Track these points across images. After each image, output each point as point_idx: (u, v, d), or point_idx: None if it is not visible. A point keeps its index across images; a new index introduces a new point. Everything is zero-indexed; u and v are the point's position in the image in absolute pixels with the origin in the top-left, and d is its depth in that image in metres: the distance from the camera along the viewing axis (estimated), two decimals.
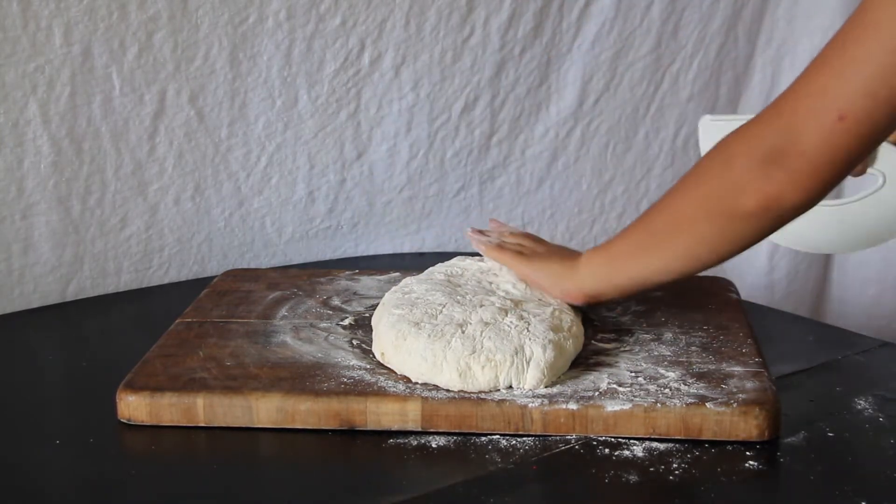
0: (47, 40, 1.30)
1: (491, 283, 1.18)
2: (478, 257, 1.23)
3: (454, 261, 1.23)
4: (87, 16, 1.32)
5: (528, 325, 1.07)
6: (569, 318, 1.11)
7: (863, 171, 1.14)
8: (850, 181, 1.11)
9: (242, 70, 1.44)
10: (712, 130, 1.18)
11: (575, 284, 1.13)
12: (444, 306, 1.11)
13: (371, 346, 1.12)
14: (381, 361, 1.08)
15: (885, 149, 1.13)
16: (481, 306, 1.11)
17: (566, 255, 1.18)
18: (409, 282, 1.18)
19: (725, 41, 1.74)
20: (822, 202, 1.08)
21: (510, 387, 1.03)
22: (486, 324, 1.08)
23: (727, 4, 1.72)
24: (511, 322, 1.08)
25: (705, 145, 1.19)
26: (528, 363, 1.03)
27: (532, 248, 1.20)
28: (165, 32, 1.37)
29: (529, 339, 1.05)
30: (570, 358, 1.07)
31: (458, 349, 1.04)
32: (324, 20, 1.47)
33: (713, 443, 0.99)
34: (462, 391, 1.02)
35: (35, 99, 1.32)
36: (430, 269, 1.22)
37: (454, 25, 1.55)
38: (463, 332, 1.06)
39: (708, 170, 1.02)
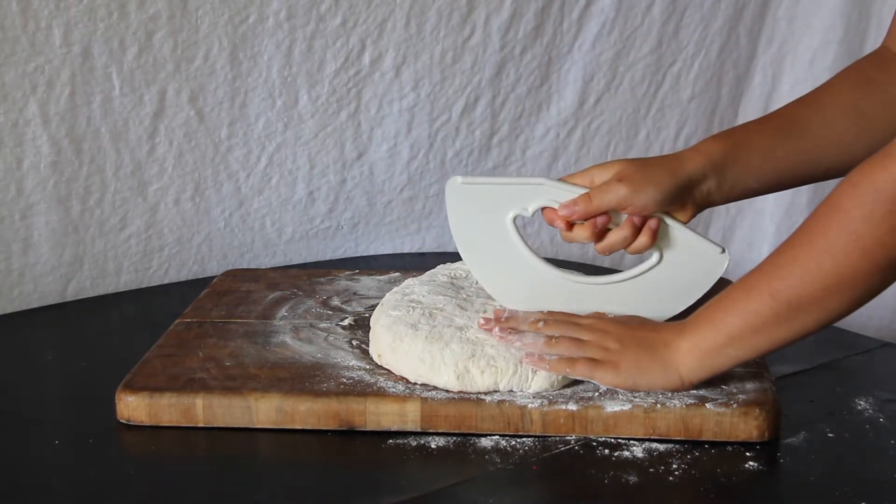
0: (47, 40, 1.30)
1: None
2: None
3: (459, 263, 1.23)
4: (87, 16, 1.32)
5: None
6: None
7: (645, 249, 1.07)
8: (629, 258, 1.07)
9: (242, 70, 1.44)
10: (463, 193, 1.09)
11: (684, 379, 1.00)
12: (444, 309, 1.11)
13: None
14: (378, 363, 1.08)
15: (668, 228, 1.08)
16: (485, 311, 1.11)
17: (652, 341, 1.02)
18: (411, 283, 1.18)
19: (727, 41, 1.74)
20: (600, 279, 1.09)
21: (511, 390, 1.03)
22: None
23: (728, 4, 1.72)
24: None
25: (454, 207, 1.09)
26: (534, 372, 1.02)
27: (604, 349, 1.02)
28: (165, 32, 1.37)
29: None
30: None
31: (456, 351, 1.04)
32: (324, 20, 1.47)
33: (713, 443, 0.99)
34: (462, 392, 1.02)
35: (35, 99, 1.32)
36: (434, 270, 1.22)
37: (455, 25, 1.55)
38: (462, 334, 1.06)
39: (865, 221, 0.91)
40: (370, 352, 1.10)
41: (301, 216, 1.55)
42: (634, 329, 1.04)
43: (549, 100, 1.66)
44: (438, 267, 1.23)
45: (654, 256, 1.09)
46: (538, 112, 1.66)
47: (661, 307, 1.10)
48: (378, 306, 1.15)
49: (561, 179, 1.09)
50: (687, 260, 1.09)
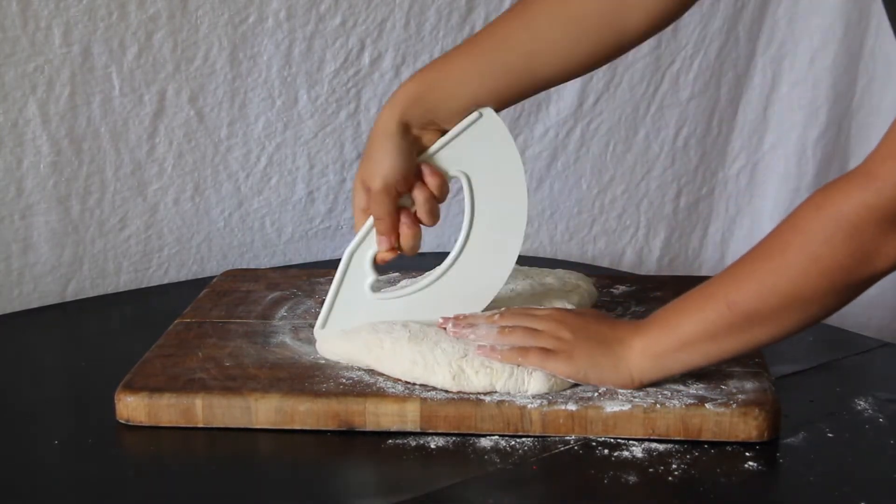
0: (47, 40, 1.30)
1: None
2: None
3: None
4: (87, 16, 1.32)
5: None
6: None
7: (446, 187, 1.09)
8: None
9: (242, 70, 1.44)
10: (328, 340, 1.10)
11: (634, 377, 1.01)
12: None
13: None
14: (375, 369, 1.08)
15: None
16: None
17: (606, 336, 1.02)
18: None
19: (726, 41, 1.74)
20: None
21: (508, 392, 1.03)
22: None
23: (727, 4, 1.71)
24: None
25: (325, 349, 1.09)
26: (530, 373, 1.02)
27: (557, 339, 1.02)
28: (165, 32, 1.37)
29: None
30: None
31: (448, 351, 1.03)
32: (324, 20, 1.47)
33: (713, 443, 0.99)
34: (461, 392, 1.02)
35: (34, 99, 1.32)
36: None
37: (454, 25, 1.55)
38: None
39: (826, 244, 0.92)
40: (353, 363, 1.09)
41: (301, 216, 1.55)
42: (590, 322, 1.04)
43: (548, 100, 1.66)
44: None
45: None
46: (537, 112, 1.66)
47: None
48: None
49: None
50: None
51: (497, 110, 1.10)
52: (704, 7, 1.70)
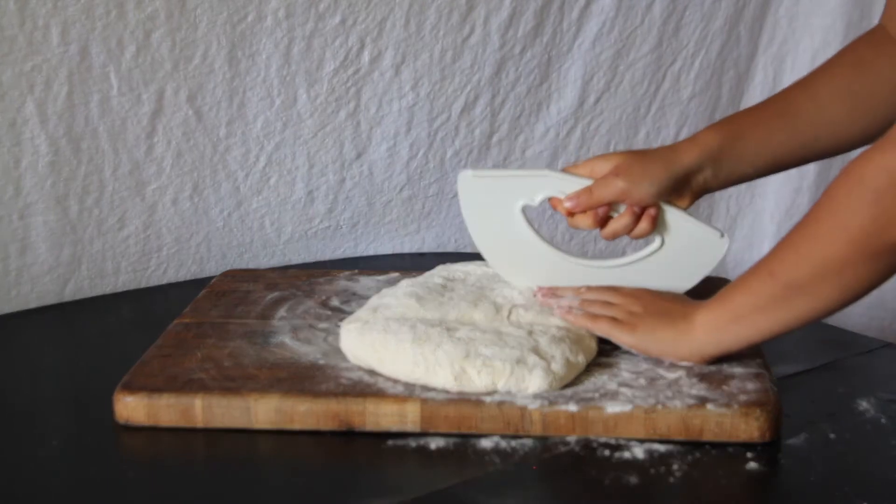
0: (44, 39, 1.30)
1: (493, 289, 1.17)
2: (481, 261, 1.22)
3: (459, 265, 1.22)
4: (85, 15, 1.31)
5: (531, 334, 1.07)
6: (583, 329, 1.10)
7: (647, 234, 1.14)
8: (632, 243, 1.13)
9: (241, 69, 1.44)
10: (474, 185, 1.16)
11: (693, 351, 1.05)
12: (415, 313, 1.11)
13: None
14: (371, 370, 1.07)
15: (669, 214, 1.14)
16: (475, 306, 1.11)
17: (673, 312, 1.07)
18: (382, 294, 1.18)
19: (727, 40, 1.74)
20: (603, 262, 1.16)
21: (509, 391, 1.02)
22: (483, 330, 1.07)
23: (729, 3, 1.71)
24: (511, 331, 1.07)
25: (467, 198, 1.16)
26: (531, 371, 1.02)
27: (628, 312, 1.09)
28: (163, 31, 1.37)
29: (532, 349, 1.04)
30: (579, 370, 1.06)
31: (450, 352, 1.03)
32: (323, 19, 1.46)
33: (714, 444, 0.98)
34: (461, 392, 1.02)
35: (32, 98, 1.31)
36: (431, 271, 1.22)
37: (454, 24, 1.55)
38: (451, 335, 1.06)
39: (851, 210, 0.94)
40: (359, 363, 1.09)
41: (300, 216, 1.55)
42: (664, 300, 1.10)
43: (548, 99, 1.66)
44: (437, 268, 1.23)
45: (657, 241, 1.15)
46: (538, 111, 1.65)
47: (665, 289, 1.15)
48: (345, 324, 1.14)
49: (564, 170, 1.15)
50: (687, 244, 1.15)
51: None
52: (705, 6, 1.70)
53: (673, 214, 1.14)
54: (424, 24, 1.53)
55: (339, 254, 1.60)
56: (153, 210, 1.44)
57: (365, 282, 1.32)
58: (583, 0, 1.62)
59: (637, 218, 1.12)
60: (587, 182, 1.13)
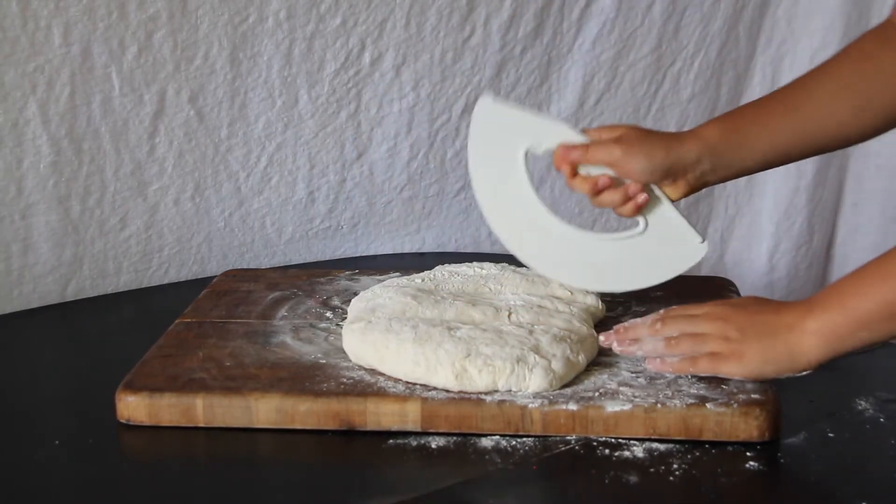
0: (46, 40, 1.30)
1: (491, 289, 1.18)
2: (478, 262, 1.23)
3: (464, 266, 1.23)
4: (87, 15, 1.31)
5: (532, 333, 1.07)
6: (584, 329, 1.10)
7: (630, 215, 1.14)
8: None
9: (242, 70, 1.44)
10: (490, 112, 1.18)
11: (811, 361, 0.99)
12: (416, 312, 1.12)
13: None
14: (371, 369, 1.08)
15: (659, 203, 1.14)
16: (474, 306, 1.11)
17: (773, 325, 1.00)
18: (375, 290, 1.19)
19: (726, 41, 1.74)
20: (585, 232, 1.17)
21: (510, 390, 1.03)
22: (484, 329, 1.07)
23: (728, 4, 1.72)
24: (511, 330, 1.08)
25: (478, 124, 1.18)
26: (531, 369, 1.02)
27: (724, 339, 1.01)
28: (165, 32, 1.37)
29: (533, 348, 1.04)
30: (579, 369, 1.06)
31: (451, 351, 1.03)
32: (324, 20, 1.47)
33: (713, 443, 0.98)
34: (462, 392, 1.02)
35: (34, 99, 1.32)
36: (432, 270, 1.22)
37: (455, 25, 1.55)
38: (452, 334, 1.06)
39: None
40: (360, 362, 1.09)
41: (301, 216, 1.55)
42: (754, 314, 1.02)
43: (549, 100, 1.66)
44: (437, 268, 1.24)
45: (641, 224, 1.15)
46: (538, 111, 1.66)
47: (633, 278, 1.17)
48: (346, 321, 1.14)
49: (583, 131, 1.16)
50: (667, 237, 1.16)
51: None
52: (705, 7, 1.70)
53: (664, 206, 1.15)
54: (425, 25, 1.53)
55: (340, 254, 1.60)
56: (155, 210, 1.44)
57: (365, 282, 1.32)
58: (583, 1, 1.62)
59: (627, 198, 1.13)
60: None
